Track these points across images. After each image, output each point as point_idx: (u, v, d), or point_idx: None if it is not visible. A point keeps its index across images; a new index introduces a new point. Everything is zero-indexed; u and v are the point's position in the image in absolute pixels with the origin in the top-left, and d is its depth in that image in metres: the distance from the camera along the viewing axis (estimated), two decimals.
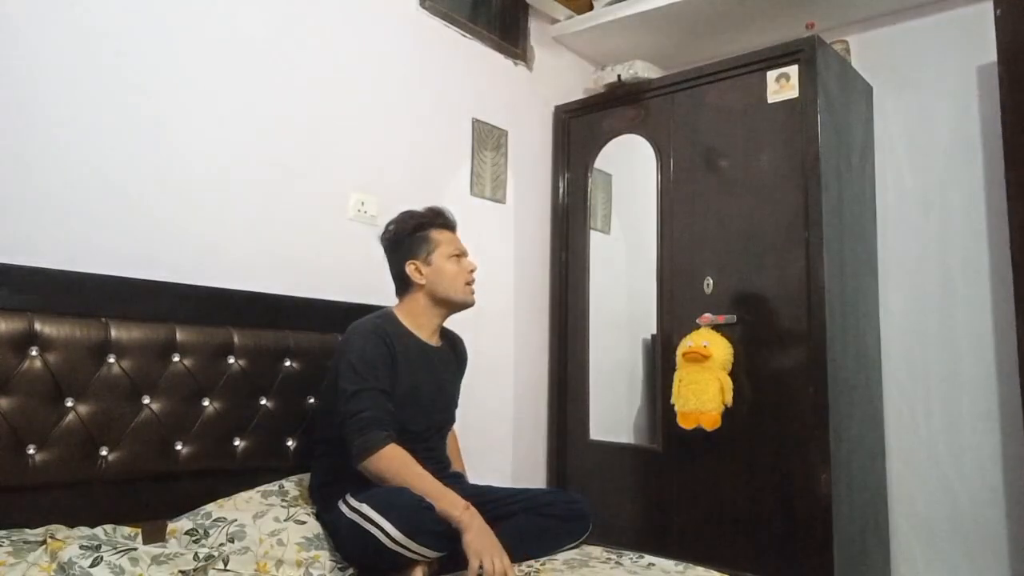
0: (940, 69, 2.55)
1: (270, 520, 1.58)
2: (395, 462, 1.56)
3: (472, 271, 1.86)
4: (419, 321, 1.82)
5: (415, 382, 1.74)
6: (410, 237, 1.83)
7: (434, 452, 1.81)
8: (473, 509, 1.52)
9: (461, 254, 1.85)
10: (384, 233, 1.88)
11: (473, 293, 1.86)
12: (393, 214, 2.35)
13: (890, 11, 2.65)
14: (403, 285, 1.85)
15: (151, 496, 1.65)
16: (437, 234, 1.84)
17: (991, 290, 2.39)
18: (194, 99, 1.88)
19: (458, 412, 1.96)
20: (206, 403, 1.76)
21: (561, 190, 2.94)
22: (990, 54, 2.28)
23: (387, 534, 1.43)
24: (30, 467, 1.48)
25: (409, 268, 1.81)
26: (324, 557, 1.55)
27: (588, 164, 2.88)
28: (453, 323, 2.49)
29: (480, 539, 1.47)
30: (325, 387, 1.80)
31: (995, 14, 2.12)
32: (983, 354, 2.39)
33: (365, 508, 1.50)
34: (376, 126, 2.32)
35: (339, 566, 1.53)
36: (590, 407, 2.76)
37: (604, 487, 2.62)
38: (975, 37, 2.44)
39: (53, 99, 1.64)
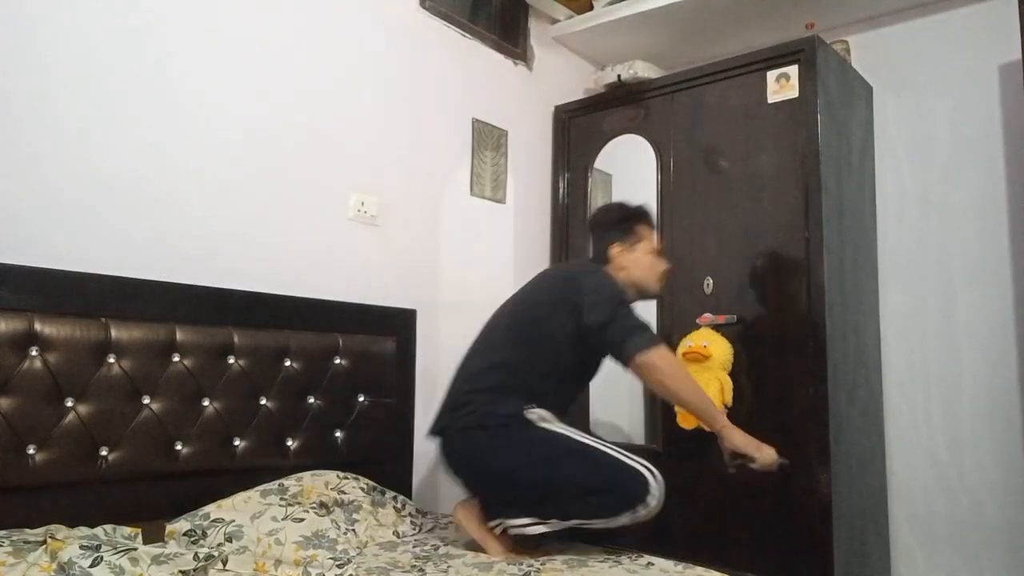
0: (942, 68, 2.54)
1: (268, 520, 1.59)
2: (671, 358, 1.73)
3: (665, 269, 2.02)
4: None
5: None
6: (620, 224, 1.99)
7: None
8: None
9: (659, 253, 2.01)
10: (595, 214, 2.11)
11: (662, 288, 2.04)
12: (393, 214, 2.36)
13: (890, 11, 2.65)
14: (603, 261, 1.97)
15: (151, 496, 1.65)
16: (644, 229, 2.00)
17: (991, 290, 2.39)
18: (193, 99, 1.88)
19: None
20: (206, 403, 1.76)
21: (561, 190, 2.94)
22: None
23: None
24: (30, 467, 1.48)
25: (614, 250, 1.95)
26: (322, 556, 1.55)
27: (588, 164, 2.87)
28: (454, 320, 2.50)
29: (746, 438, 1.75)
30: (551, 301, 1.84)
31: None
32: (983, 353, 2.39)
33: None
34: (376, 126, 2.32)
35: (337, 564, 1.53)
36: (590, 407, 2.76)
37: None
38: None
39: (53, 100, 1.64)
